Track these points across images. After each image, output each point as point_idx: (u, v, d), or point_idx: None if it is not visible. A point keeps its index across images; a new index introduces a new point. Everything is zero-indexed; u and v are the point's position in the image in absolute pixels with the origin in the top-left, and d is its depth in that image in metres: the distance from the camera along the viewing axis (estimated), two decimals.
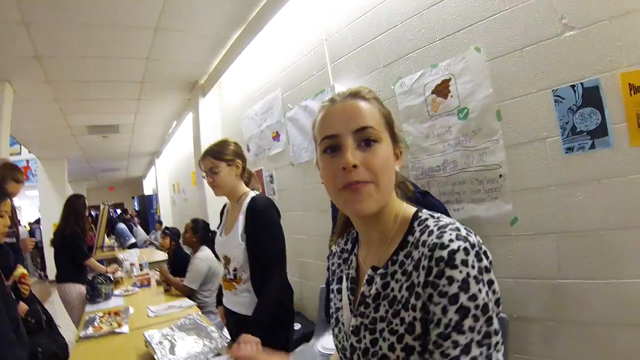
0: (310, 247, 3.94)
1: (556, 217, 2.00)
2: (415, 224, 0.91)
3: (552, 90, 1.94)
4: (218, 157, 2.21)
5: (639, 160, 1.73)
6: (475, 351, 0.74)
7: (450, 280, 0.76)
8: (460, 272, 0.76)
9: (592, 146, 1.84)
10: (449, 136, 2.43)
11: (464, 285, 0.75)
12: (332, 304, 1.11)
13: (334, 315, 1.07)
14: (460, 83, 2.34)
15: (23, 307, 2.70)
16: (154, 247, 9.21)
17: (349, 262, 1.07)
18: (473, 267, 0.77)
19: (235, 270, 2.21)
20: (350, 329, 0.95)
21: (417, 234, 0.89)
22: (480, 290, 0.76)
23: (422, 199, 2.10)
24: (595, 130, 1.82)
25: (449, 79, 2.40)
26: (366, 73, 3.02)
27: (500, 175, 2.20)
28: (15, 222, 2.84)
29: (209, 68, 5.45)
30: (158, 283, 4.09)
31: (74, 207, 4.27)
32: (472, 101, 2.29)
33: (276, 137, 4.31)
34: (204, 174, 2.26)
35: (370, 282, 0.94)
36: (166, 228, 5.20)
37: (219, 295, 2.53)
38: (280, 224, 2.23)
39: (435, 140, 2.51)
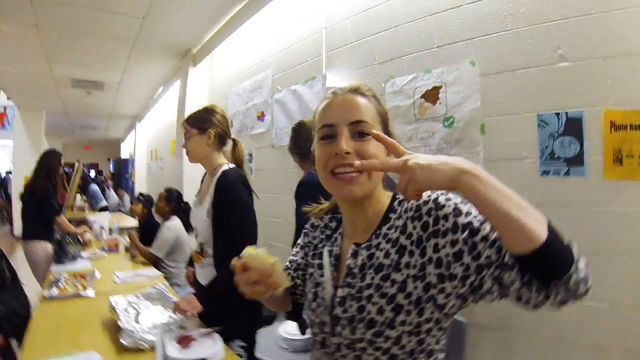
0: (282, 231, 3.93)
1: None
2: (395, 203, 1.02)
3: (538, 115, 2.01)
4: (191, 123, 2.19)
5: (610, 192, 1.82)
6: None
7: (445, 217, 0.86)
8: (448, 206, 0.87)
9: (567, 173, 1.92)
10: (432, 141, 2.48)
11: (457, 212, 0.86)
12: (311, 279, 1.15)
13: (312, 291, 1.12)
14: (451, 92, 2.39)
15: None
16: (123, 213, 9.14)
17: (333, 240, 1.13)
18: (455, 199, 0.88)
19: (201, 244, 2.19)
20: (337, 299, 1.00)
21: (397, 209, 1.00)
22: (471, 208, 0.86)
23: None
24: (573, 158, 1.90)
25: (440, 87, 2.44)
26: (359, 67, 3.05)
27: None
28: None
29: (203, 38, 5.40)
30: (126, 249, 4.06)
31: (47, 163, 4.14)
32: (459, 111, 2.34)
33: (261, 116, 4.31)
34: None
35: (355, 255, 1.01)
36: (140, 194, 5.14)
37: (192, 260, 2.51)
38: (249, 201, 2.13)
39: (417, 144, 2.55)
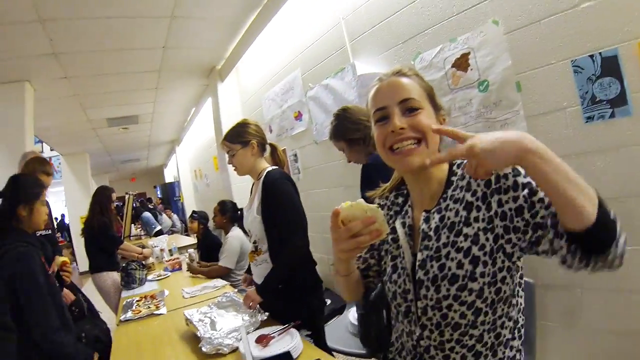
0: None
1: None
2: (454, 167, 1.12)
3: (571, 61, 1.96)
4: (232, 140, 2.31)
5: None
6: None
7: (505, 176, 0.97)
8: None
9: (612, 115, 1.87)
10: (470, 108, 2.47)
11: (516, 172, 0.96)
12: (387, 257, 1.22)
13: (391, 264, 1.19)
14: (480, 56, 2.36)
15: (69, 295, 2.80)
16: (177, 233, 9.47)
17: (403, 213, 1.20)
18: None
19: (255, 242, 2.31)
20: (418, 263, 1.07)
21: (458, 171, 1.10)
22: None
23: None
24: (615, 99, 1.84)
25: (468, 53, 2.42)
26: (385, 50, 3.04)
27: None
28: (50, 214, 2.94)
29: (225, 53, 5.48)
30: (188, 266, 4.18)
31: (99, 200, 4.35)
32: (492, 74, 2.32)
33: (298, 116, 4.36)
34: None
35: (427, 220, 1.09)
36: (194, 212, 5.29)
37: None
38: (294, 194, 2.26)
39: (457, 113, 2.54)
